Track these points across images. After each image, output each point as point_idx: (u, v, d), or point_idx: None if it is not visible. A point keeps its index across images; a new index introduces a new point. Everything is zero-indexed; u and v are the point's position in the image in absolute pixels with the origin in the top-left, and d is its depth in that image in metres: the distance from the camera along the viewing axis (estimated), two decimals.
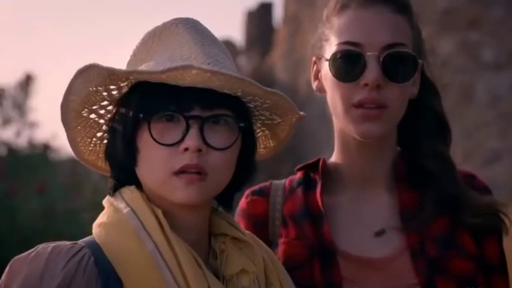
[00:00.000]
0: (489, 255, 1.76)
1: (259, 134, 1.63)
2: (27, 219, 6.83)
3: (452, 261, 1.70)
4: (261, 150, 1.65)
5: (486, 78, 10.18)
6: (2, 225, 6.58)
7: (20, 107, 8.36)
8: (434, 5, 10.50)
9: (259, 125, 1.61)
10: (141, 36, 1.55)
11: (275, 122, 1.60)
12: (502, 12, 10.33)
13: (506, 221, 1.76)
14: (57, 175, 8.01)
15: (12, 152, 7.84)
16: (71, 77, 1.46)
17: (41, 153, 8.02)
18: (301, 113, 1.58)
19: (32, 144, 8.15)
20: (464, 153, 9.73)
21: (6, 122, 8.20)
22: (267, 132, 1.64)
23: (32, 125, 8.30)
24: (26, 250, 1.47)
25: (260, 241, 1.63)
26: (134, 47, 1.55)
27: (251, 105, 1.54)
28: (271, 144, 1.66)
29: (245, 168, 1.55)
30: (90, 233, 1.51)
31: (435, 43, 10.19)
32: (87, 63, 1.45)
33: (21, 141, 8.14)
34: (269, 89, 1.49)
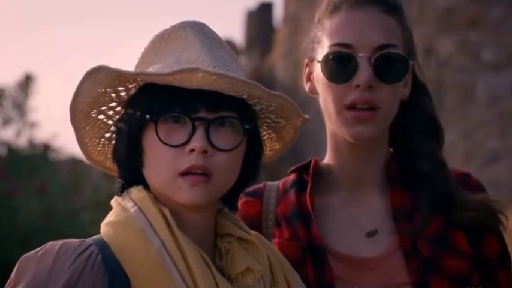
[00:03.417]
0: (487, 252, 1.77)
1: (265, 137, 1.65)
2: (27, 219, 6.83)
3: (446, 261, 1.72)
4: (267, 152, 1.67)
5: (486, 78, 10.19)
6: (2, 225, 6.58)
7: (20, 107, 8.36)
8: (434, 5, 10.50)
9: (265, 127, 1.63)
10: (142, 36, 1.57)
11: (281, 124, 1.62)
12: (502, 12, 10.34)
13: (503, 218, 1.77)
14: (57, 175, 8.01)
15: (12, 152, 7.84)
16: (79, 78, 1.49)
17: (41, 153, 8.01)
18: (306, 115, 1.60)
19: (32, 144, 8.15)
20: (464, 153, 9.73)
21: (6, 122, 8.19)
22: (273, 134, 1.66)
23: (32, 125, 8.30)
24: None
25: (266, 240, 1.65)
26: (143, 50, 1.57)
27: (257, 108, 1.56)
28: (277, 147, 1.68)
29: (250, 169, 1.57)
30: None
31: (435, 43, 10.20)
32: (95, 64, 1.47)
33: (21, 141, 8.14)
34: (274, 92, 1.51)
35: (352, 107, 1.70)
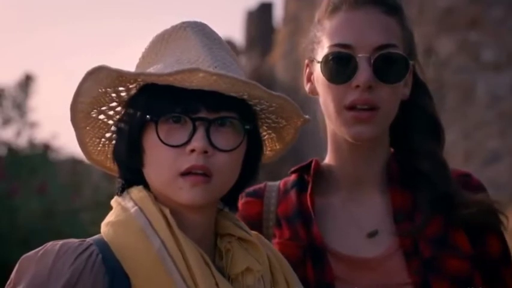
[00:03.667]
0: (490, 251, 1.77)
1: (265, 137, 1.66)
2: (27, 219, 6.83)
3: (447, 261, 1.72)
4: (267, 152, 1.68)
5: (486, 78, 10.19)
6: (2, 225, 6.58)
7: (20, 107, 8.36)
8: (434, 5, 10.50)
9: (265, 127, 1.64)
10: (142, 36, 1.57)
11: (281, 125, 1.62)
12: (502, 12, 10.33)
13: (503, 219, 1.77)
14: (57, 175, 8.02)
15: (12, 152, 7.85)
16: (79, 78, 1.49)
17: (41, 153, 8.02)
18: (306, 116, 1.60)
19: (32, 144, 8.15)
20: (464, 153, 9.73)
21: (6, 122, 8.20)
22: (273, 135, 1.66)
23: (32, 125, 8.30)
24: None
25: (266, 241, 1.65)
26: (143, 50, 1.57)
27: (257, 108, 1.56)
28: (278, 147, 1.69)
29: (250, 170, 1.57)
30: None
31: (435, 43, 10.20)
32: (95, 64, 1.47)
33: (21, 141, 8.15)
34: (274, 92, 1.51)
35: (352, 108, 1.71)
